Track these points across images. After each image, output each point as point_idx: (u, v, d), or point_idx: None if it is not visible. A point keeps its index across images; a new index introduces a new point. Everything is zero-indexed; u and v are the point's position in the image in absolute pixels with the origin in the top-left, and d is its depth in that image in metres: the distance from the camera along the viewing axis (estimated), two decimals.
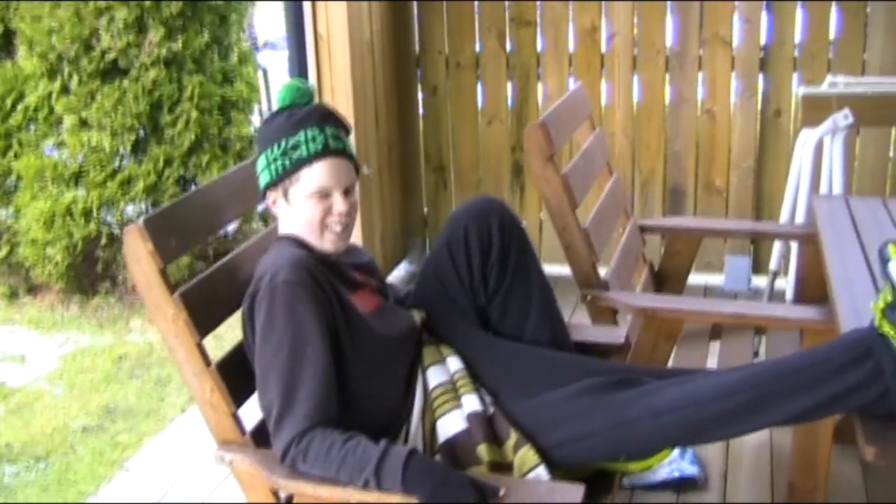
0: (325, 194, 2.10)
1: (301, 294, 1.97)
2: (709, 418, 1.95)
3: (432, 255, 2.36)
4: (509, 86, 4.64)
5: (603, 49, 4.47)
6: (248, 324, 2.06)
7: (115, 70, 4.72)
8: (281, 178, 2.09)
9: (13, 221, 5.00)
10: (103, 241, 4.87)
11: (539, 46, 4.56)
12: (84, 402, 4.08)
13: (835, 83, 3.72)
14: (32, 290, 5.22)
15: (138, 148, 4.82)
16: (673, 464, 3.09)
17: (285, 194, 2.11)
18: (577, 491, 1.85)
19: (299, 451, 1.90)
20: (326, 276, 2.04)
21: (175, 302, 2.01)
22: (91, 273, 5.07)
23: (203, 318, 2.07)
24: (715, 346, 3.11)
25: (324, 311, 1.99)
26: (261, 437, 2.08)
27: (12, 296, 5.20)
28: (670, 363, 2.86)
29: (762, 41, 4.31)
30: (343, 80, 3.91)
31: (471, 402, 2.12)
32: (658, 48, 4.41)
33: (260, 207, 3.12)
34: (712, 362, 3.01)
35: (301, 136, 2.08)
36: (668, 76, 4.43)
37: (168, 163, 4.79)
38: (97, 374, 4.33)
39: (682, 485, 3.07)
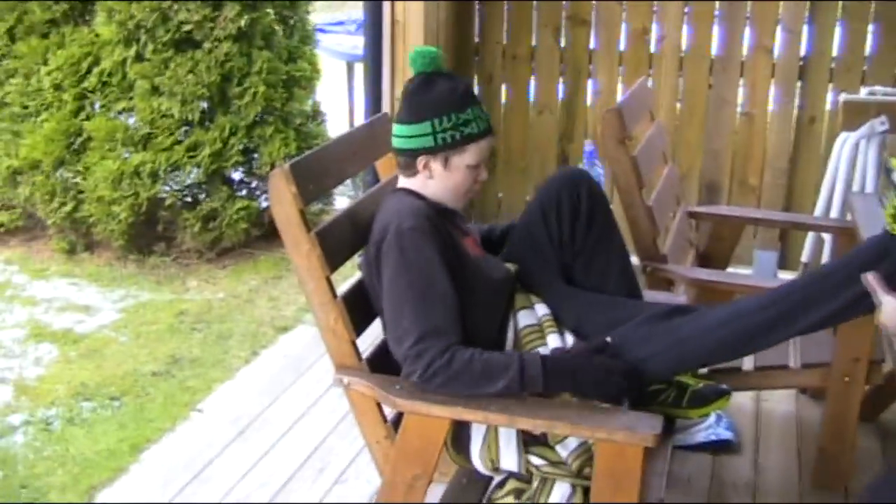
0: (477, 166, 2.42)
1: (425, 237, 2.27)
2: (754, 327, 2.28)
3: (526, 215, 2.64)
4: (561, 80, 4.93)
5: (652, 50, 4.76)
6: (374, 268, 2.33)
7: (188, 41, 5.01)
8: (447, 147, 2.37)
9: (81, 179, 5.25)
10: (167, 202, 5.15)
11: (592, 44, 4.84)
12: (151, 350, 4.36)
13: (873, 92, 4.02)
14: (90, 246, 5.49)
15: (205, 116, 5.11)
16: (710, 429, 3.38)
17: (446, 161, 2.39)
18: (657, 420, 2.14)
19: (443, 364, 2.17)
20: (443, 223, 2.35)
21: (311, 239, 2.28)
22: (149, 234, 5.36)
23: (332, 255, 2.34)
24: None
25: (444, 250, 2.29)
26: (374, 363, 2.37)
27: (71, 251, 5.47)
28: None
29: (802, 52, 4.60)
30: None
31: (554, 340, 2.43)
32: (704, 52, 4.70)
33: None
34: None
35: (470, 113, 2.37)
36: (711, 79, 4.72)
37: (233, 132, 5.08)
38: (160, 326, 4.61)
39: (718, 447, 3.36)
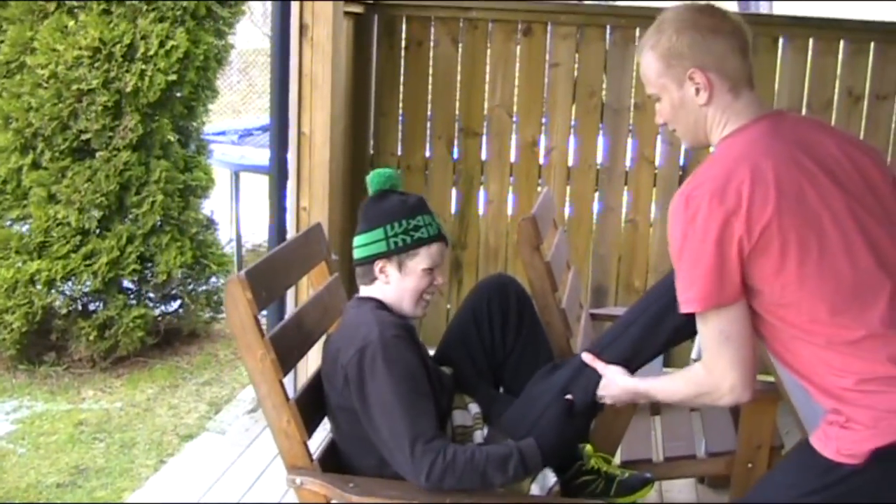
0: (431, 270, 2.56)
1: (406, 344, 2.43)
2: (620, 354, 2.47)
3: (457, 320, 2.82)
4: (454, 190, 5.14)
5: (541, 161, 5.03)
6: (354, 381, 2.39)
7: (86, 150, 5.04)
8: (399, 251, 2.53)
9: None
10: (63, 311, 5.11)
11: (483, 155, 5.08)
12: (52, 462, 4.28)
13: None
14: None
15: (102, 224, 5.11)
16: None
17: (400, 265, 2.54)
18: None
19: (447, 464, 2.28)
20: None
21: (266, 344, 2.38)
22: (40, 343, 5.28)
23: (284, 359, 2.44)
24: (656, 420, 3.62)
25: (420, 356, 2.46)
26: (325, 462, 2.46)
27: None
28: (628, 431, 3.33)
29: (681, 162, 4.94)
30: (321, 175, 4.30)
31: (478, 437, 2.60)
32: (590, 163, 4.99)
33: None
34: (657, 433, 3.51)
35: (420, 219, 2.56)
36: (597, 188, 5.01)
37: (130, 240, 5.09)
38: (60, 436, 4.53)
39: None
